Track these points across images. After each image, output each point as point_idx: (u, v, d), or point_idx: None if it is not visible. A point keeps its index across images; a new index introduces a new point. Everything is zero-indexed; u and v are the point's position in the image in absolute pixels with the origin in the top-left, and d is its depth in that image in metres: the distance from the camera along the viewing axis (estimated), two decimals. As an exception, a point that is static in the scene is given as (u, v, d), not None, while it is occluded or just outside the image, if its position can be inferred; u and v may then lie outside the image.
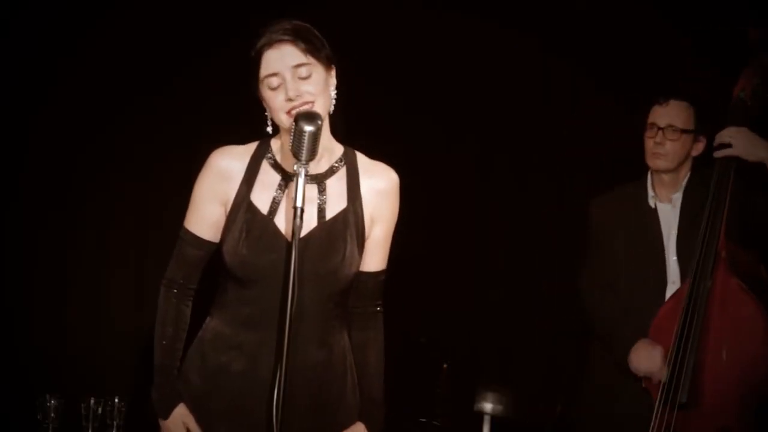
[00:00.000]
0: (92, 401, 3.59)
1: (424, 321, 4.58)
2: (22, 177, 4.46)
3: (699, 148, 3.53)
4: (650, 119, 3.54)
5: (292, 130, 2.37)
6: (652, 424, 3.11)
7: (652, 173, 3.58)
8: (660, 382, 3.20)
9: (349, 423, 2.58)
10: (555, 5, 4.68)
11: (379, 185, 2.59)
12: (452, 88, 4.85)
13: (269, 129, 2.53)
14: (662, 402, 3.10)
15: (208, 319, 2.60)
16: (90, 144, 4.54)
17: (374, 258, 2.61)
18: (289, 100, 2.44)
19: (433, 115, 4.86)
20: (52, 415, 3.54)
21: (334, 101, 2.53)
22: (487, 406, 4.25)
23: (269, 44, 2.47)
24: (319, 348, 2.53)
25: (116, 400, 3.62)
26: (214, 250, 2.58)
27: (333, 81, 2.53)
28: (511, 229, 4.90)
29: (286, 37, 2.46)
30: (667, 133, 3.48)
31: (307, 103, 2.45)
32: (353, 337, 2.63)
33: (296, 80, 2.45)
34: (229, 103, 4.48)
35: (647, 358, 3.28)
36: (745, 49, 3.31)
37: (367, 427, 2.59)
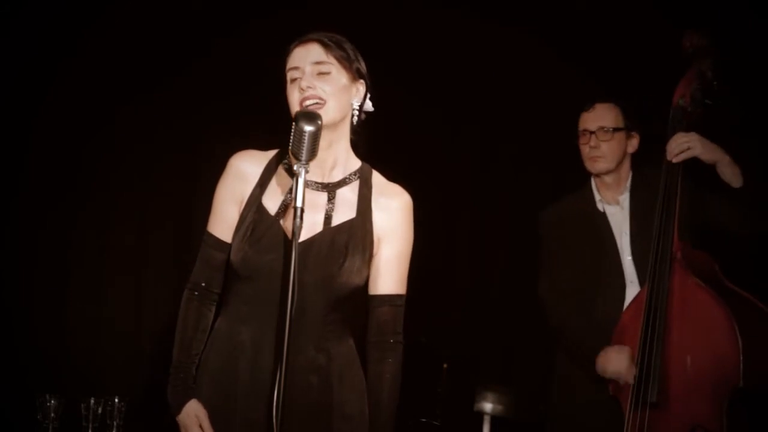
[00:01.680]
0: (92, 401, 3.59)
1: (424, 321, 4.58)
2: (22, 177, 4.46)
3: (634, 144, 3.62)
4: (581, 127, 3.64)
5: (292, 130, 2.39)
6: (625, 426, 3.14)
7: (594, 178, 3.65)
8: (628, 384, 3.22)
9: (352, 430, 2.56)
10: (557, 4, 4.68)
11: (391, 204, 2.61)
12: (451, 88, 4.85)
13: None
14: (633, 404, 3.12)
15: (218, 320, 2.62)
16: (90, 144, 4.53)
17: (386, 280, 2.60)
18: (302, 90, 2.49)
19: (432, 114, 4.87)
20: (52, 415, 3.54)
21: (356, 113, 2.58)
22: (487, 406, 4.26)
23: (299, 43, 2.56)
24: (317, 352, 2.54)
25: (116, 400, 3.61)
26: None
27: (358, 94, 2.59)
28: (512, 229, 4.90)
29: (315, 38, 2.55)
30: (600, 135, 3.58)
31: (318, 98, 2.50)
32: (369, 369, 2.61)
33: (313, 75, 2.52)
34: (230, 103, 4.49)
35: (615, 360, 3.31)
36: (683, 55, 3.36)
37: None
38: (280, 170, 2.60)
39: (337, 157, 2.57)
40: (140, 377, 4.36)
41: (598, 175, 3.62)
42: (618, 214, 3.58)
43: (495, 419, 4.26)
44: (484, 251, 4.95)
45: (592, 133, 3.59)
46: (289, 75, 2.54)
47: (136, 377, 4.39)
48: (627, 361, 3.27)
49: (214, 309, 2.63)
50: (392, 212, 2.60)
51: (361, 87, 2.59)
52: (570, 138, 3.74)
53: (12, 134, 4.41)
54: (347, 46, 2.57)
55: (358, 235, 2.55)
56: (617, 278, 3.49)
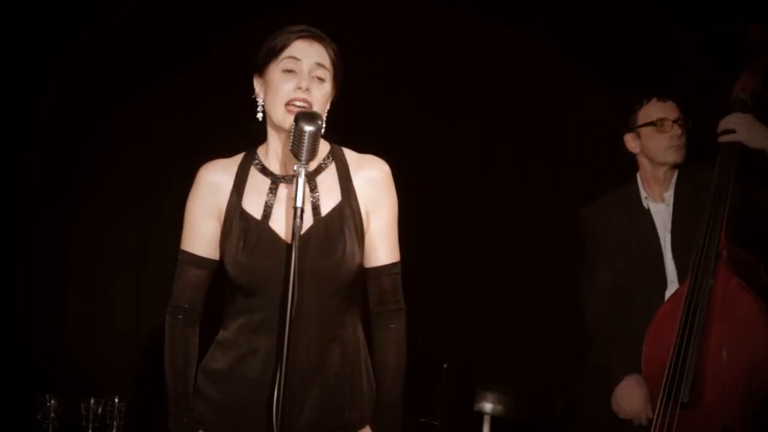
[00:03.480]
0: (92, 401, 3.60)
1: (423, 321, 4.57)
2: (22, 177, 4.46)
3: None
4: (657, 115, 3.56)
5: (292, 130, 2.39)
6: (653, 424, 3.11)
7: (644, 173, 3.60)
8: (641, 425, 3.24)
9: (362, 417, 2.56)
10: (557, 4, 4.68)
11: (371, 175, 2.59)
12: (451, 88, 4.85)
13: (259, 116, 2.56)
14: (664, 402, 3.09)
15: (220, 331, 2.59)
16: (90, 144, 4.54)
17: (381, 251, 2.59)
18: (298, 89, 2.47)
19: (432, 114, 4.86)
20: (52, 415, 3.55)
21: (324, 121, 2.55)
22: (487, 406, 4.26)
23: (303, 37, 2.53)
24: (331, 342, 2.52)
25: (116, 400, 3.62)
26: (216, 268, 2.57)
27: (330, 102, 2.58)
28: (512, 228, 4.90)
29: (318, 38, 2.53)
30: (681, 126, 3.55)
31: (309, 103, 2.49)
32: (374, 338, 2.60)
33: (311, 77, 2.51)
34: (230, 103, 4.48)
35: (629, 401, 3.34)
36: (742, 49, 3.32)
37: (377, 430, 2.57)
38: (253, 172, 2.58)
39: None
40: (140, 377, 4.36)
41: (669, 167, 3.56)
42: (663, 212, 3.54)
43: (495, 419, 4.26)
44: (484, 251, 4.95)
45: (673, 122, 3.54)
46: (285, 63, 2.50)
47: (136, 377, 4.39)
48: (642, 401, 3.29)
49: (198, 331, 2.59)
50: (373, 184, 2.58)
51: (333, 96, 2.58)
52: (570, 138, 3.74)
53: (12, 134, 4.41)
54: (341, 58, 2.56)
55: (348, 216, 2.53)
56: (658, 277, 3.46)
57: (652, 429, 3.11)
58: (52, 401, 3.56)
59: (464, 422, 4.42)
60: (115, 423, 3.61)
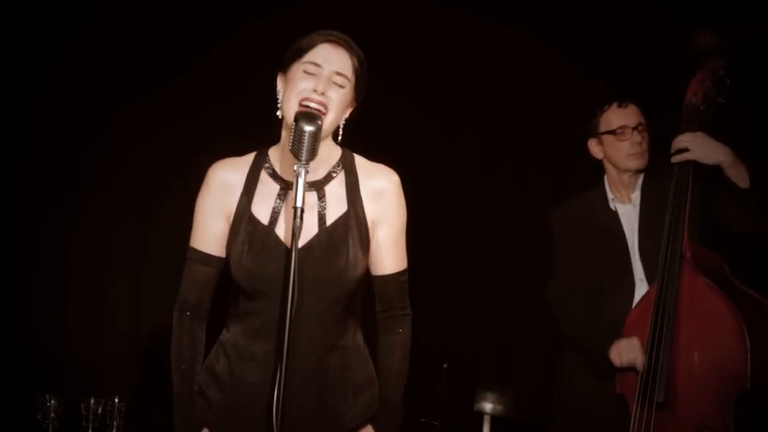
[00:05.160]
0: (92, 401, 3.59)
1: (423, 321, 4.57)
2: (22, 177, 4.46)
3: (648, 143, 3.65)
4: (617, 123, 3.59)
5: (292, 130, 2.39)
6: (631, 426, 3.13)
7: (610, 176, 3.64)
8: (639, 374, 3.22)
9: (364, 417, 2.58)
10: (557, 4, 4.68)
11: (379, 186, 2.59)
12: (451, 88, 4.85)
13: (279, 113, 2.55)
14: (640, 404, 3.11)
15: (224, 331, 2.60)
16: (90, 144, 4.54)
17: (388, 260, 2.59)
18: (315, 91, 2.46)
19: (432, 114, 4.87)
20: (52, 415, 3.55)
21: (342, 128, 2.55)
22: (487, 406, 4.26)
23: (330, 41, 2.52)
24: (332, 351, 2.54)
25: (116, 400, 3.62)
26: (224, 266, 2.57)
27: (349, 112, 2.57)
28: (512, 229, 4.90)
29: (345, 44, 2.52)
30: (641, 132, 3.57)
31: (324, 106, 2.47)
32: (379, 341, 2.62)
33: (329, 82, 2.49)
34: (230, 103, 4.50)
35: (627, 349, 3.28)
36: (695, 53, 3.37)
37: (379, 430, 2.59)
38: (264, 176, 2.58)
39: (321, 155, 2.51)
40: (140, 377, 4.37)
41: (633, 172, 3.58)
42: (630, 213, 3.56)
43: (495, 419, 4.26)
44: (484, 251, 4.95)
45: (633, 128, 3.56)
46: (305, 66, 2.49)
47: (136, 377, 4.39)
48: (639, 348, 3.25)
49: (205, 327, 2.59)
50: (382, 195, 2.58)
51: (352, 108, 2.58)
52: (570, 138, 3.74)
53: (12, 134, 4.42)
54: (365, 67, 2.55)
55: (353, 226, 2.54)
56: (627, 277, 3.48)
57: (630, 431, 3.13)
58: (52, 401, 3.55)
59: (464, 422, 4.42)
60: (115, 423, 3.61)
